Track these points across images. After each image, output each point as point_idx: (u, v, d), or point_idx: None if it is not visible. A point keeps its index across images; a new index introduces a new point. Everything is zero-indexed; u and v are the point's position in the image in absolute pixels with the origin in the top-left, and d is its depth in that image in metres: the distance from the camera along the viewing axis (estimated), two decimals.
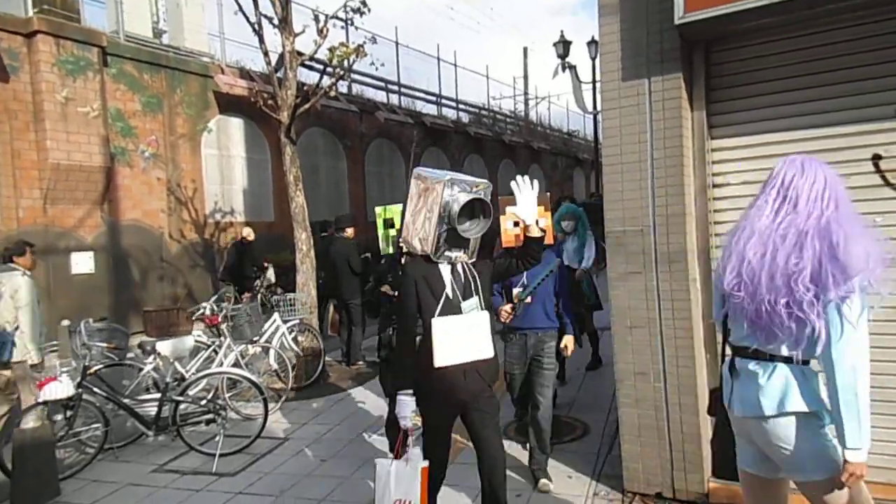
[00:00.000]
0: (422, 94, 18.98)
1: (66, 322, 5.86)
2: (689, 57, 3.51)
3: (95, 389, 4.65)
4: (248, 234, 9.44)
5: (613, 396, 5.37)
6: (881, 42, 3.12)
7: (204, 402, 4.97)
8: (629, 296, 3.57)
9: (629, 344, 3.62)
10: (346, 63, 6.92)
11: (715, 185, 3.57)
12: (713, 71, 3.56)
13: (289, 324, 6.44)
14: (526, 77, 27.83)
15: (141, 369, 5.15)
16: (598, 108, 16.60)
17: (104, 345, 5.24)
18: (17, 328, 4.99)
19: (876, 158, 3.18)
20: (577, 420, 5.02)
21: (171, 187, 10.70)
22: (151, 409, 4.79)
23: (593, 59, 16.70)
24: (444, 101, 20.02)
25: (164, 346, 4.98)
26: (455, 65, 20.86)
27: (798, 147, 3.35)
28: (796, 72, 3.34)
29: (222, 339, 5.75)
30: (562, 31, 16.44)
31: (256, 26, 6.69)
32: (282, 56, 6.87)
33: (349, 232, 7.44)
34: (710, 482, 3.51)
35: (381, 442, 4.90)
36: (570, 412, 5.23)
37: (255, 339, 6.06)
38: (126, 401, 4.80)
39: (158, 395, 4.84)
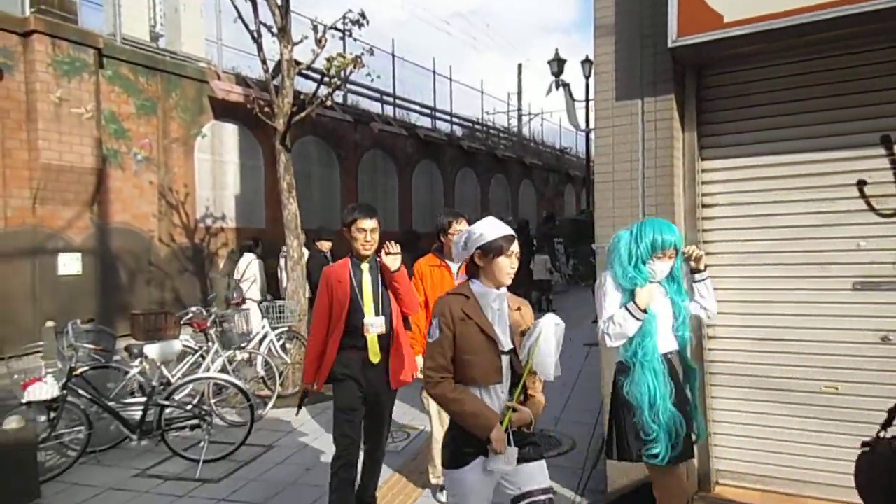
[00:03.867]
0: (416, 107, 19.09)
1: (51, 323, 5.80)
2: (682, 79, 3.58)
3: (80, 391, 4.61)
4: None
5: (599, 411, 5.40)
6: (867, 72, 3.22)
7: (189, 407, 4.93)
8: None
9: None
10: (343, 73, 6.98)
11: (704, 206, 3.63)
12: (704, 94, 3.64)
13: (277, 331, 6.42)
14: (520, 93, 28.09)
15: (127, 372, 5.11)
16: (591, 125, 16.78)
17: (91, 346, 5.19)
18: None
19: (861, 184, 3.26)
20: (564, 435, 5.04)
21: (163, 191, 10.66)
22: (136, 413, 4.75)
23: (587, 78, 16.90)
24: (438, 114, 20.15)
25: (152, 350, 4.95)
26: (450, 79, 21.03)
27: (785, 171, 3.45)
28: (785, 97, 3.43)
29: (210, 344, 5.72)
30: (556, 50, 16.75)
31: (255, 34, 6.74)
32: (279, 64, 6.91)
33: (320, 245, 7.56)
34: (694, 500, 3.54)
35: None
36: (558, 426, 5.25)
37: (242, 345, 6.03)
38: (111, 404, 4.76)
39: (144, 399, 4.80)
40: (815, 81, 3.34)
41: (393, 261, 3.31)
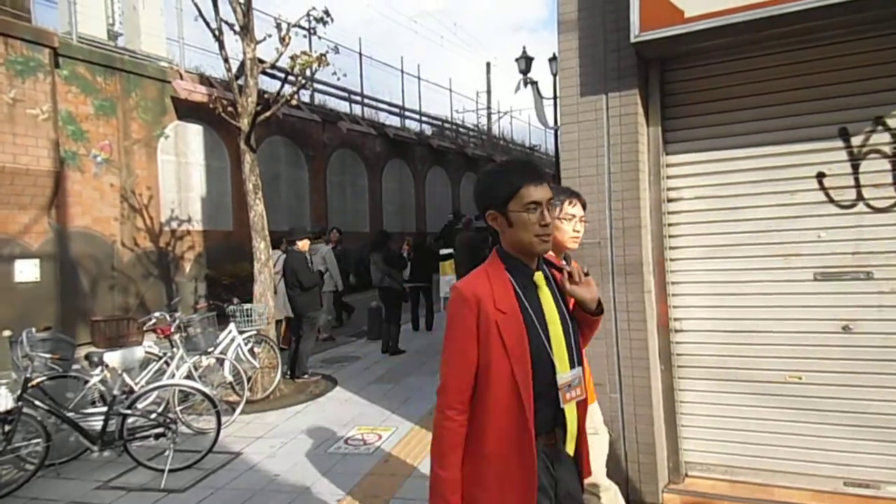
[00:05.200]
0: (385, 106, 19.00)
1: (6, 332, 5.58)
2: (646, 74, 3.60)
3: (37, 402, 4.44)
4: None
5: None
6: (825, 65, 3.27)
7: (153, 415, 4.80)
8: None
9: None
10: (308, 72, 6.87)
11: (669, 200, 3.66)
12: (668, 89, 3.66)
13: (245, 335, 6.29)
14: (489, 91, 28.19)
15: (87, 381, 4.93)
16: (559, 122, 16.90)
17: (48, 355, 5.00)
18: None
19: (820, 176, 3.31)
20: None
21: (125, 194, 10.39)
22: (97, 423, 4.59)
23: (554, 76, 16.99)
24: (407, 113, 20.08)
25: (113, 357, 4.79)
26: (418, 77, 20.98)
27: (748, 164, 3.49)
28: (746, 92, 3.46)
29: (175, 350, 5.57)
30: (524, 48, 16.70)
31: (217, 32, 6.59)
32: (242, 63, 6.77)
33: (300, 245, 7.32)
34: (664, 492, 3.56)
35: (336, 457, 4.82)
36: None
37: (209, 350, 5.90)
38: (70, 414, 4.59)
39: (105, 409, 4.65)
40: (775, 76, 3.39)
41: (588, 292, 1.93)
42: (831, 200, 3.29)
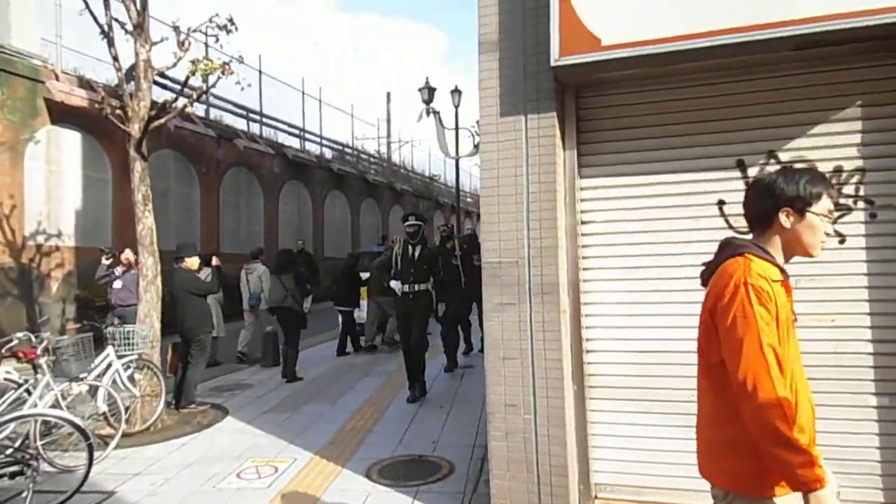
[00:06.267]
0: (284, 126, 18.48)
1: None
2: (563, 99, 3.68)
3: None
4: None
5: (477, 432, 5.35)
6: (725, 101, 3.50)
7: (9, 451, 4.15)
8: (503, 327, 3.57)
9: (501, 376, 3.60)
10: (208, 80, 6.46)
11: (583, 222, 3.73)
12: (583, 114, 3.76)
13: (124, 360, 5.67)
14: (389, 120, 28.32)
15: None
16: (460, 152, 17.21)
17: None
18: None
19: (720, 203, 3.51)
20: (443, 459, 4.89)
21: None
22: None
23: (456, 107, 17.38)
24: (307, 135, 19.66)
25: None
26: (320, 101, 20.67)
27: (654, 191, 3.63)
28: (654, 122, 3.63)
29: (40, 376, 4.90)
30: (427, 78, 16.91)
31: (107, 28, 6.06)
32: (134, 65, 6.26)
33: (189, 262, 6.74)
34: None
35: (227, 493, 4.41)
36: (435, 451, 5.10)
37: (81, 376, 5.25)
38: None
39: None
40: (680, 108, 3.58)
41: None
42: (730, 227, 3.49)
